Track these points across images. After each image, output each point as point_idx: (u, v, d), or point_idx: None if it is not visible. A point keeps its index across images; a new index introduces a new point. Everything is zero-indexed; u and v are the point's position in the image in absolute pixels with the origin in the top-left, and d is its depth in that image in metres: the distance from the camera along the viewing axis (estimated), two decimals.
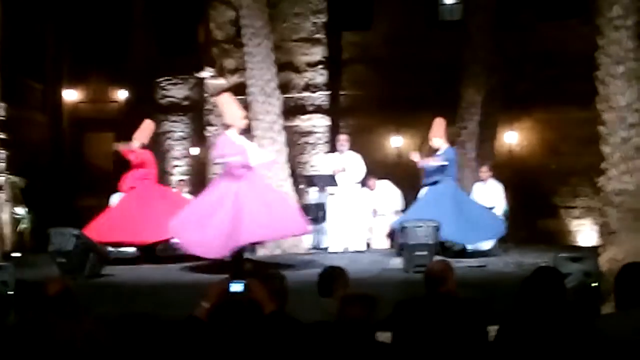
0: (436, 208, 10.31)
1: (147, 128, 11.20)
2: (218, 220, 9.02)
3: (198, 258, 10.26)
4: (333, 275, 4.82)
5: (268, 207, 9.13)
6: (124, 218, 10.43)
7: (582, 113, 13.25)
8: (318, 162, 16.22)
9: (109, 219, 10.58)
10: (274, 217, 9.06)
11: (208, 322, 3.78)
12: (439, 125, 11.06)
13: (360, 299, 3.86)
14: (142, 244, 10.62)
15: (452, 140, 11.63)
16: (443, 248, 10.32)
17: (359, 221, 12.15)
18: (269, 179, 12.09)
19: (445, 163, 10.84)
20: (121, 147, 11.09)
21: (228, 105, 9.69)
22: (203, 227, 9.04)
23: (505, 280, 8.31)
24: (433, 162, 10.97)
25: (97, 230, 10.13)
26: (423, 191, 11.99)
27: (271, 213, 9.07)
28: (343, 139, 12.32)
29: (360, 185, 12.39)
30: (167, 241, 10.61)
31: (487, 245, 11.26)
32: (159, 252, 10.95)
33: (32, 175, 15.58)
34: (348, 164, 11.97)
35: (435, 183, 10.88)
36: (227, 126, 9.67)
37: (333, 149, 16.85)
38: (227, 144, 9.42)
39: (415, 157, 11.27)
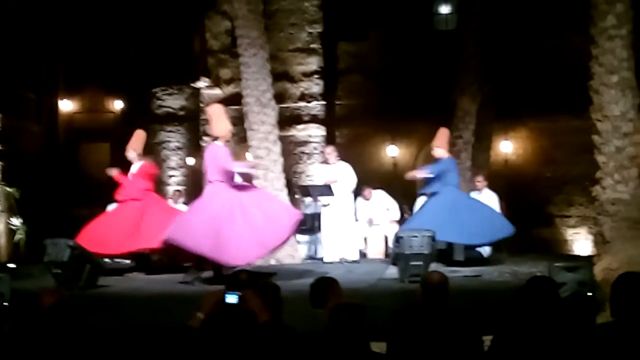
0: (435, 216, 10.36)
1: (140, 137, 11.19)
2: (237, 227, 9.05)
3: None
4: (325, 286, 4.80)
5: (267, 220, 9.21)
6: (116, 230, 10.39)
7: (577, 122, 13.30)
8: (313, 172, 16.23)
9: (101, 230, 10.52)
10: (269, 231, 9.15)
11: (202, 331, 3.78)
12: (442, 135, 11.14)
13: (349, 308, 3.87)
14: (133, 251, 10.60)
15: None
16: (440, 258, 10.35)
17: (353, 231, 12.14)
18: (264, 189, 12.12)
19: (430, 175, 10.97)
20: (114, 173, 11.05)
21: (218, 116, 9.71)
22: (222, 233, 9.03)
23: (500, 290, 8.32)
24: (419, 174, 11.24)
25: (90, 241, 10.09)
26: (419, 200, 12.01)
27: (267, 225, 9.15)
28: (330, 150, 12.28)
29: (354, 195, 12.39)
30: (159, 251, 10.59)
31: (485, 252, 11.27)
32: (153, 263, 10.94)
33: (27, 185, 15.56)
34: (340, 174, 11.95)
35: (435, 193, 10.95)
36: (215, 137, 9.68)
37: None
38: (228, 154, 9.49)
39: (408, 175, 11.63)
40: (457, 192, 11.02)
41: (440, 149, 11.01)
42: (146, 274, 10.47)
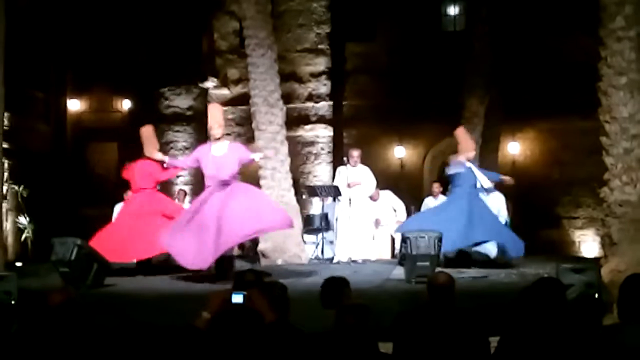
0: (441, 219, 10.41)
1: (150, 135, 11.16)
2: (199, 229, 9.13)
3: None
4: (337, 286, 4.79)
5: (249, 205, 9.21)
6: (120, 238, 10.39)
7: (585, 123, 13.27)
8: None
9: (108, 238, 10.52)
10: (254, 213, 9.15)
11: (208, 331, 3.78)
12: (460, 138, 11.31)
13: (354, 308, 3.86)
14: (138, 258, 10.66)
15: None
16: (446, 259, 10.36)
17: (365, 232, 12.12)
18: (271, 189, 12.13)
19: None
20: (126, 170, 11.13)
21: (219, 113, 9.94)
22: (186, 237, 9.15)
23: (507, 291, 8.31)
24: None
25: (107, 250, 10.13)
26: (427, 201, 12.02)
27: (251, 210, 9.16)
28: (357, 153, 12.15)
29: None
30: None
31: (492, 253, 11.26)
32: (158, 262, 10.95)
33: (35, 184, 15.62)
34: (362, 177, 11.93)
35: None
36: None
37: (335, 159, 16.87)
38: None
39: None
40: (465, 197, 11.03)
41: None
42: (146, 275, 10.47)
